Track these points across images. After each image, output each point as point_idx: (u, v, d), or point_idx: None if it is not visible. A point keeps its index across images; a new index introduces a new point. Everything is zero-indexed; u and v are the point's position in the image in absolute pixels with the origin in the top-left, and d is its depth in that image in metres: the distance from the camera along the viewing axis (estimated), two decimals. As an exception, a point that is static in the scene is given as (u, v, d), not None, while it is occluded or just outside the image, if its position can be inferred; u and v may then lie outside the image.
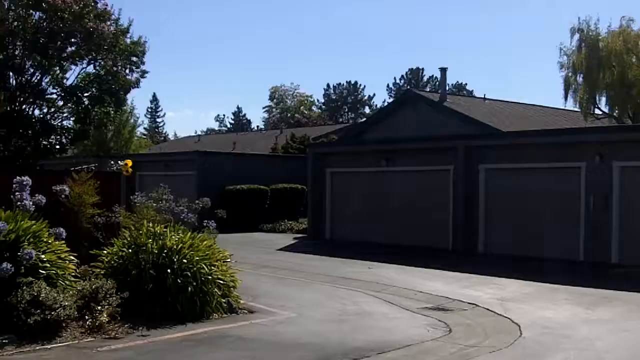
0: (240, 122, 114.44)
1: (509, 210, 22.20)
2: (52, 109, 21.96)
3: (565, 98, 39.14)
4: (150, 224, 12.72)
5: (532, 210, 21.53)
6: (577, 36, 38.32)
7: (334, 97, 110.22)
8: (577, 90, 38.43)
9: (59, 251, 11.66)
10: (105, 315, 10.71)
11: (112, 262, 12.33)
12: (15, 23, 19.72)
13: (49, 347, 9.67)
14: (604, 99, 39.03)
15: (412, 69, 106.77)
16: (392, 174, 25.72)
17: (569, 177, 20.83)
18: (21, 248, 10.47)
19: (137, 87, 21.63)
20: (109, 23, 20.58)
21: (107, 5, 20.81)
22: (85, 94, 21.23)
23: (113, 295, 11.00)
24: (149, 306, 11.52)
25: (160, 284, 11.60)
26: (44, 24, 20.05)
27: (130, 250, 12.23)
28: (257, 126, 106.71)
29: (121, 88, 21.20)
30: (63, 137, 22.60)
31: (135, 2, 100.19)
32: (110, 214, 13.07)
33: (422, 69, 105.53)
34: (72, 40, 20.42)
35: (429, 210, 24.18)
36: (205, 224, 13.62)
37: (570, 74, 38.70)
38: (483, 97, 40.42)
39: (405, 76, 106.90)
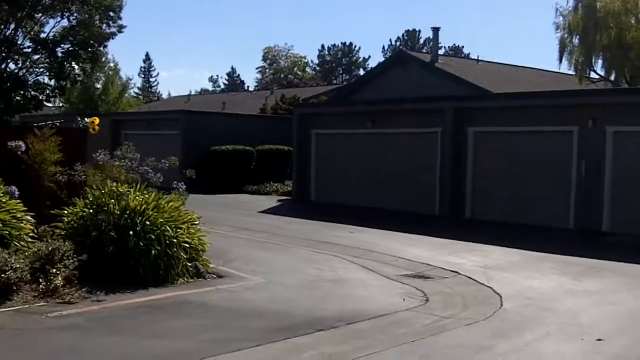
0: (235, 83, 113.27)
1: (497, 175, 21.51)
2: (27, 64, 21.19)
3: (560, 60, 38.22)
4: (114, 184, 12.04)
5: (522, 175, 20.85)
6: (574, -5, 37.34)
7: (329, 59, 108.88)
8: (573, 53, 37.43)
9: (14, 210, 11.05)
10: (60, 279, 10.07)
11: (73, 222, 11.68)
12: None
13: (-5, 311, 9.02)
14: (600, 62, 38.16)
15: (408, 30, 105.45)
16: (378, 136, 24.97)
17: (560, 142, 20.08)
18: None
19: (112, 39, 20.81)
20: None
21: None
22: (59, 48, 20.40)
23: (70, 258, 10.40)
24: (110, 270, 10.89)
25: (122, 247, 10.96)
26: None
27: (91, 211, 11.56)
28: (247, 87, 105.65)
29: (95, 40, 20.35)
30: (39, 93, 21.87)
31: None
32: (73, 172, 12.36)
33: (419, 30, 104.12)
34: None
35: (416, 174, 23.49)
36: (174, 185, 12.95)
37: (566, 35, 37.69)
38: (476, 58, 39.54)
39: (401, 38, 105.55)
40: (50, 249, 10.39)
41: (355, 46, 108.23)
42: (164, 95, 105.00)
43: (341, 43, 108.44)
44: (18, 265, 9.67)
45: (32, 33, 20.61)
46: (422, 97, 26.30)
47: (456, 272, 13.27)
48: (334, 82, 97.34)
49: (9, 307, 9.29)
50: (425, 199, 23.09)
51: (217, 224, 19.40)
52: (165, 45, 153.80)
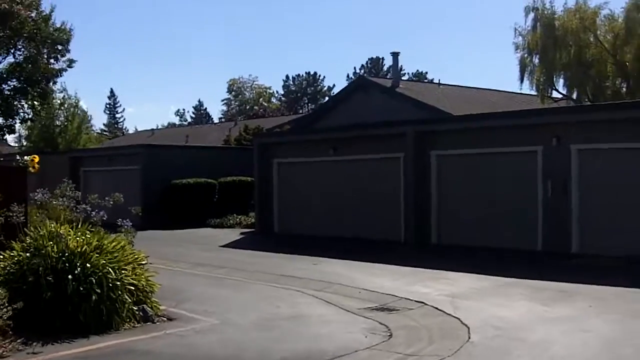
0: (201, 116, 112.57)
1: (463, 199, 21.02)
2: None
3: (521, 80, 37.95)
4: (54, 224, 11.26)
5: (488, 198, 20.38)
6: (532, 15, 37.14)
7: (294, 89, 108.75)
8: (534, 72, 37.24)
9: (-58, 258, 10.25)
10: (-9, 331, 9.25)
11: (9, 268, 10.83)
12: None
13: None
14: (561, 81, 37.92)
15: (371, 58, 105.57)
16: (340, 164, 24.39)
17: (525, 162, 19.64)
18: None
19: (61, 76, 20.13)
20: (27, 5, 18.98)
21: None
22: (4, 85, 19.63)
23: (4, 307, 9.55)
24: (48, 318, 10.06)
25: (61, 293, 10.14)
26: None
27: (27, 254, 10.75)
28: (213, 120, 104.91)
29: (43, 77, 19.62)
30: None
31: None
32: (10, 213, 11.57)
33: (382, 58, 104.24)
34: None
35: (380, 201, 22.91)
36: (119, 222, 12.21)
37: (525, 55, 37.51)
38: (437, 82, 39.27)
39: (365, 65, 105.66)
40: (-20, 298, 9.60)
41: (319, 75, 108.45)
42: (131, 131, 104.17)
43: (305, 73, 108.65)
44: (-56, 318, 8.88)
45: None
46: (383, 122, 25.78)
47: (422, 302, 12.61)
48: (300, 111, 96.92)
49: None
50: (390, 226, 22.47)
51: (175, 261, 18.70)
52: (131, 81, 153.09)
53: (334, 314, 11.96)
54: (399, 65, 37.86)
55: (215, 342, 9.85)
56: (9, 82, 19.77)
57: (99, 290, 10.23)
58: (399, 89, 35.00)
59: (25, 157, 13.19)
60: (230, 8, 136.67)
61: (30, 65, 19.35)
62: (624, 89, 36.70)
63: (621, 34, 34.91)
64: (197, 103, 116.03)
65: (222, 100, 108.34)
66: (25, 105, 20.27)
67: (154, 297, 11.55)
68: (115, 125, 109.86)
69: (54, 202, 11.58)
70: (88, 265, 10.46)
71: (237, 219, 30.18)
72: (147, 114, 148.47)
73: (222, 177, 32.26)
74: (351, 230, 23.29)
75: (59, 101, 50.56)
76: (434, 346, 9.61)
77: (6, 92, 19.87)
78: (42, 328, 9.89)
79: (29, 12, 18.87)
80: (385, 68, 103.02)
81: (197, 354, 9.24)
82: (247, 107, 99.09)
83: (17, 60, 19.85)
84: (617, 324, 10.69)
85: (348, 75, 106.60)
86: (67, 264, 10.40)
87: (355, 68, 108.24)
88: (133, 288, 10.97)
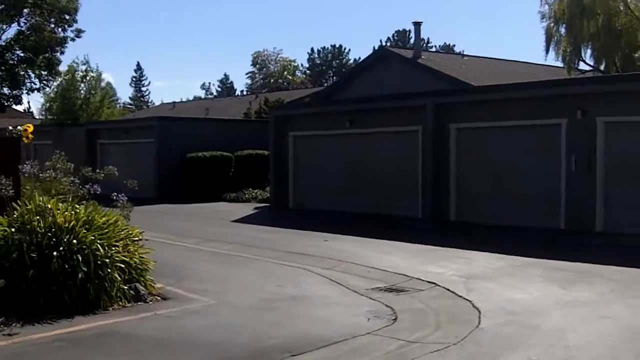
0: (227, 90, 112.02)
1: (483, 174, 20.18)
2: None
3: (547, 51, 36.87)
4: (42, 198, 10.66)
5: (509, 174, 19.53)
6: (559, -19, 35.87)
7: (319, 62, 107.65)
8: (560, 43, 35.97)
9: None
10: (-30, 310, 8.71)
11: (-6, 243, 10.28)
12: None
13: None
14: (589, 51, 36.67)
15: (398, 30, 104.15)
16: (357, 137, 23.60)
17: (548, 136, 18.76)
18: None
19: (66, 44, 19.51)
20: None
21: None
22: (8, 54, 19.06)
23: (-16, 284, 9.02)
24: (31, 296, 9.48)
25: (45, 270, 9.56)
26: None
27: (12, 230, 10.17)
28: (235, 92, 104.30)
29: (48, 46, 19.02)
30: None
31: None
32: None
33: (409, 30, 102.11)
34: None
35: (397, 176, 22.15)
36: (113, 197, 11.58)
37: (552, 25, 36.22)
38: (460, 53, 38.16)
39: (391, 38, 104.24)
40: (-40, 275, 9.05)
41: (345, 48, 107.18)
42: (157, 104, 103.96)
43: (331, 46, 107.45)
44: None
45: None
46: (400, 94, 24.90)
47: (434, 283, 11.90)
48: (325, 84, 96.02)
49: None
50: (407, 202, 21.74)
51: (184, 236, 18.13)
52: (159, 56, 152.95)
53: (339, 294, 11.30)
54: (425, 37, 36.86)
55: (207, 326, 9.22)
56: (13, 51, 19.15)
57: (85, 268, 9.63)
58: (421, 60, 34.01)
59: (19, 127, 12.60)
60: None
61: (35, 34, 18.73)
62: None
63: (653, 0, 33.64)
64: (223, 77, 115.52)
65: (247, 74, 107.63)
66: (32, 75, 19.63)
67: (151, 275, 10.98)
68: (141, 99, 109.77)
69: (41, 175, 10.92)
70: (74, 241, 9.86)
71: (253, 193, 29.51)
72: (175, 88, 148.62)
73: (239, 150, 31.58)
74: (367, 206, 22.57)
75: (80, 73, 50.25)
76: (440, 332, 8.91)
77: (11, 62, 19.26)
78: (26, 307, 9.33)
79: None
80: (412, 41, 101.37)
81: (184, 338, 8.60)
82: (272, 81, 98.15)
83: (22, 28, 19.25)
84: (640, 309, 9.92)
85: (374, 48, 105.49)
86: (53, 240, 9.82)
87: (381, 41, 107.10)
88: (124, 266, 10.37)
